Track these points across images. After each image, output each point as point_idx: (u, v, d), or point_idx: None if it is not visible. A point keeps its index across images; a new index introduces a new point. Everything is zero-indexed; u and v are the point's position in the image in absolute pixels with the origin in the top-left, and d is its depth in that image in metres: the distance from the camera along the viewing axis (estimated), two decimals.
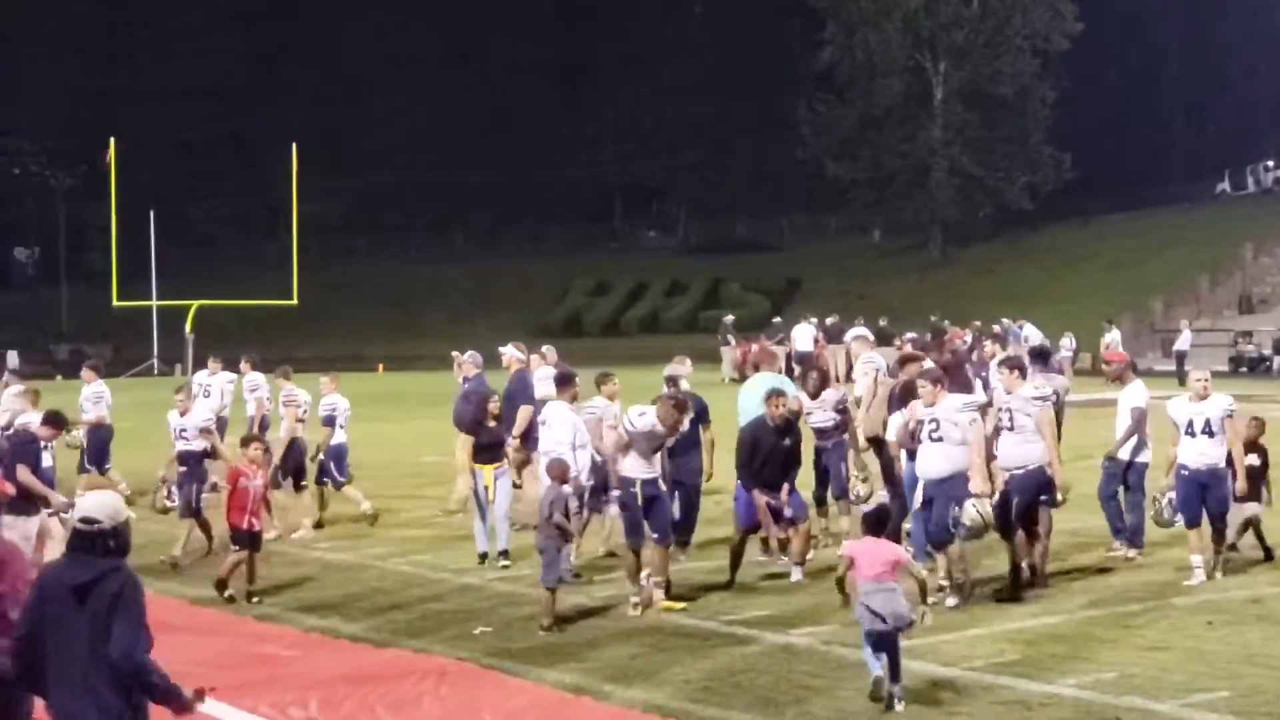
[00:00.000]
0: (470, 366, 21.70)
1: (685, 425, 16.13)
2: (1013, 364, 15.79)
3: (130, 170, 65.62)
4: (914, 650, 12.73)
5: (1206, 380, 16.06)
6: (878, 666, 10.86)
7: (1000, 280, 73.54)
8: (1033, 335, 50.64)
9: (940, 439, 14.48)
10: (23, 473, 15.32)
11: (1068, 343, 52.28)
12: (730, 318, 58.36)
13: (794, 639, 13.41)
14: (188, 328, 66.55)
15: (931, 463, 14.58)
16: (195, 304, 67.42)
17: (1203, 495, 15.70)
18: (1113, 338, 50.52)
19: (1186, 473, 15.72)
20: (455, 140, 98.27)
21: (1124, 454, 16.99)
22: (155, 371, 63.40)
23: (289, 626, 14.72)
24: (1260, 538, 16.66)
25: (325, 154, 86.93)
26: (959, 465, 14.41)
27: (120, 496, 8.31)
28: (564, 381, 17.34)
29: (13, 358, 67.58)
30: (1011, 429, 15.06)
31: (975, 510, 14.01)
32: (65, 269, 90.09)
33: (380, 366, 65.88)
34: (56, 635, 7.75)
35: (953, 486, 14.29)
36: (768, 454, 15.63)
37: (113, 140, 63.24)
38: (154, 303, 67.46)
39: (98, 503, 7.96)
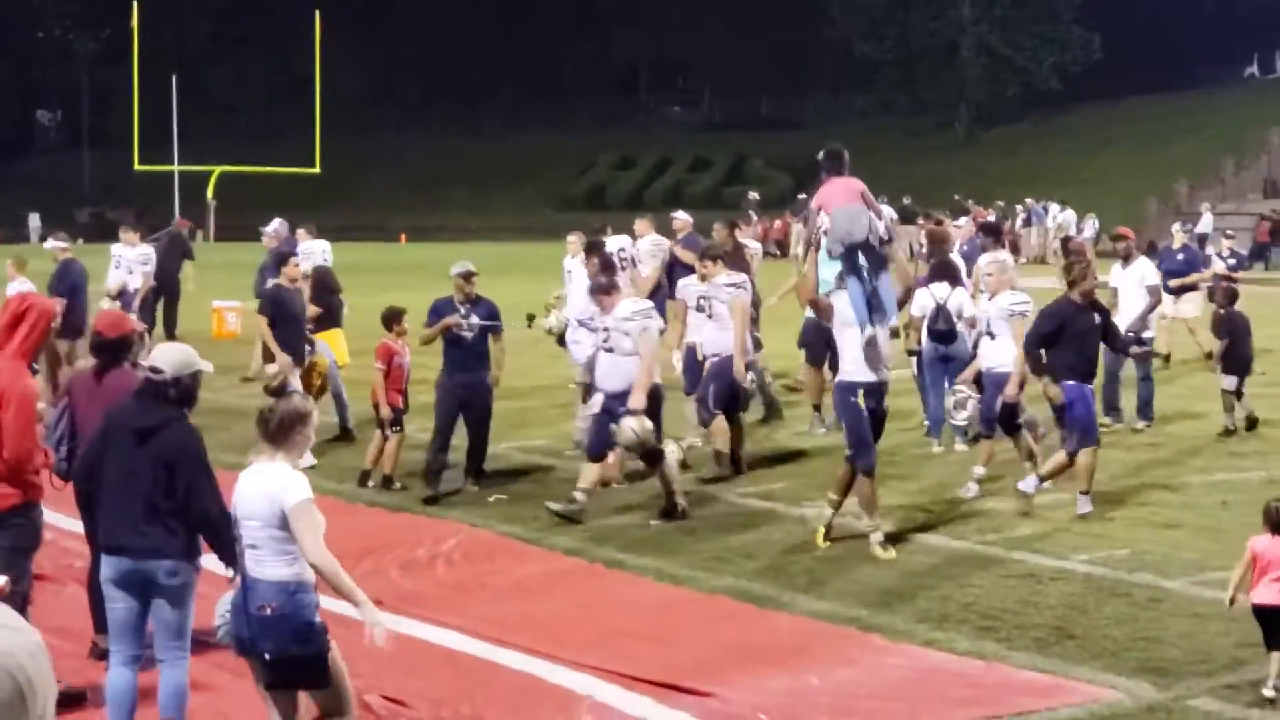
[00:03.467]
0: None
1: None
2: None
3: (153, 34, 65.27)
4: (927, 524, 12.87)
5: (990, 274, 14.72)
6: None
7: (1026, 161, 73.09)
8: (1067, 219, 50.66)
9: (610, 349, 13.51)
10: None
11: (1091, 224, 52.08)
12: (754, 194, 58.09)
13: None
14: (209, 193, 66.59)
15: (606, 375, 13.57)
16: (217, 170, 67.44)
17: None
18: (1064, 218, 50.69)
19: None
20: (482, 12, 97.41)
21: (1126, 322, 16.95)
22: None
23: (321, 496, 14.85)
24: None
25: (350, 23, 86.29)
26: (630, 379, 13.24)
27: (192, 350, 8.44)
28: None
29: (34, 220, 67.93)
30: (992, 337, 14.59)
31: (632, 429, 12.98)
32: (87, 133, 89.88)
33: (403, 237, 65.84)
34: (116, 471, 8.10)
35: (621, 402, 13.21)
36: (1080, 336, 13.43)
37: (135, 4, 62.85)
38: (175, 168, 67.38)
39: (165, 353, 8.27)
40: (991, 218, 50.71)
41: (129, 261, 23.60)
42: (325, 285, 18.58)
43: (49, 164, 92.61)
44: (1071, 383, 13.06)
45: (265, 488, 7.26)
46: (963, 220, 34.37)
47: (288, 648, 7.22)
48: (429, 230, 66.87)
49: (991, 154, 77.33)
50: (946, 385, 15.65)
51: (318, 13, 64.51)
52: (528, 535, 12.94)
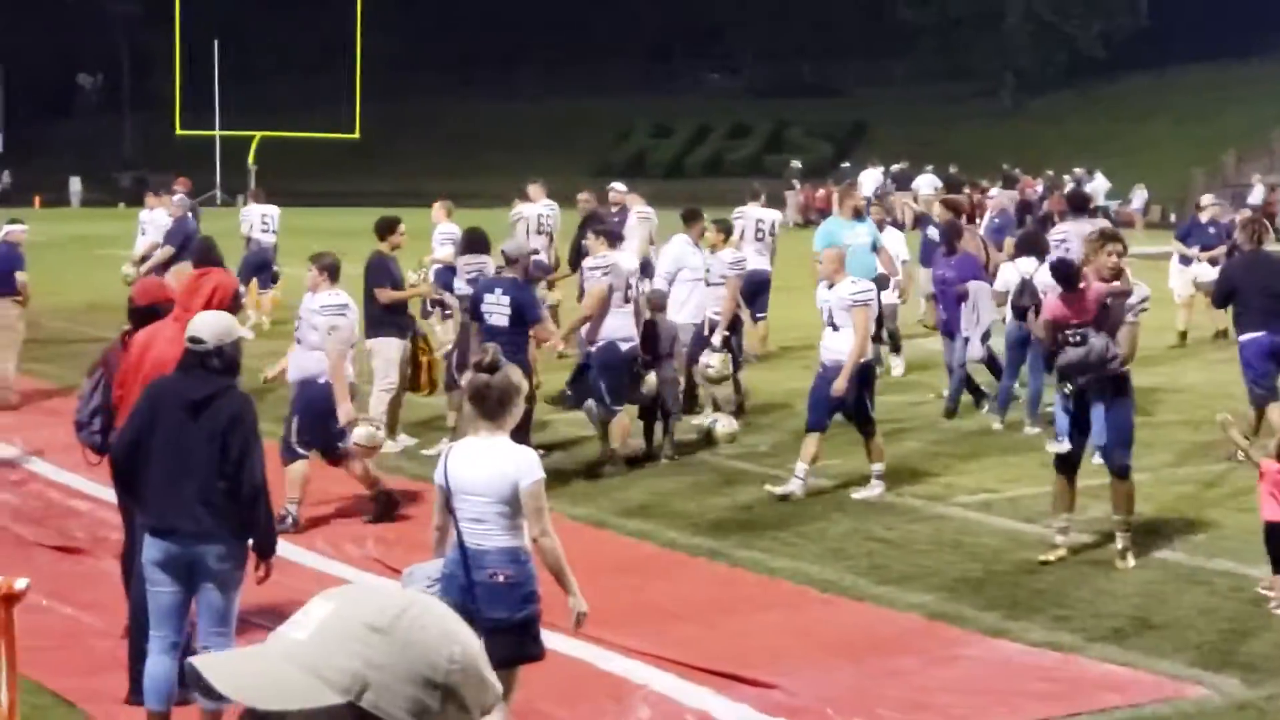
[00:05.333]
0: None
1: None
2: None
3: None
4: (995, 506, 12.42)
5: (823, 263, 13.52)
6: None
7: (1072, 130, 72.25)
8: (1100, 186, 49.91)
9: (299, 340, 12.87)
10: None
11: (1139, 194, 51.42)
12: (796, 163, 57.54)
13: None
14: (250, 159, 66.37)
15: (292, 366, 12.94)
16: (258, 135, 67.18)
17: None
18: (1094, 187, 49.75)
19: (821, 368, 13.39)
20: None
21: None
22: (218, 202, 63.16)
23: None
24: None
25: None
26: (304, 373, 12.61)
27: (232, 318, 8.29)
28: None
29: (74, 184, 67.84)
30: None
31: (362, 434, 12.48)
32: (129, 97, 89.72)
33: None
34: (166, 447, 7.77)
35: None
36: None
37: None
38: (217, 133, 67.22)
39: (205, 323, 7.97)
40: (1039, 187, 50.30)
41: (162, 226, 23.28)
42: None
43: (90, 128, 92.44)
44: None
45: (499, 464, 7.10)
46: (995, 191, 33.93)
47: (516, 614, 7.08)
48: (467, 196, 66.43)
49: (1036, 122, 76.46)
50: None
51: None
52: (576, 513, 12.53)
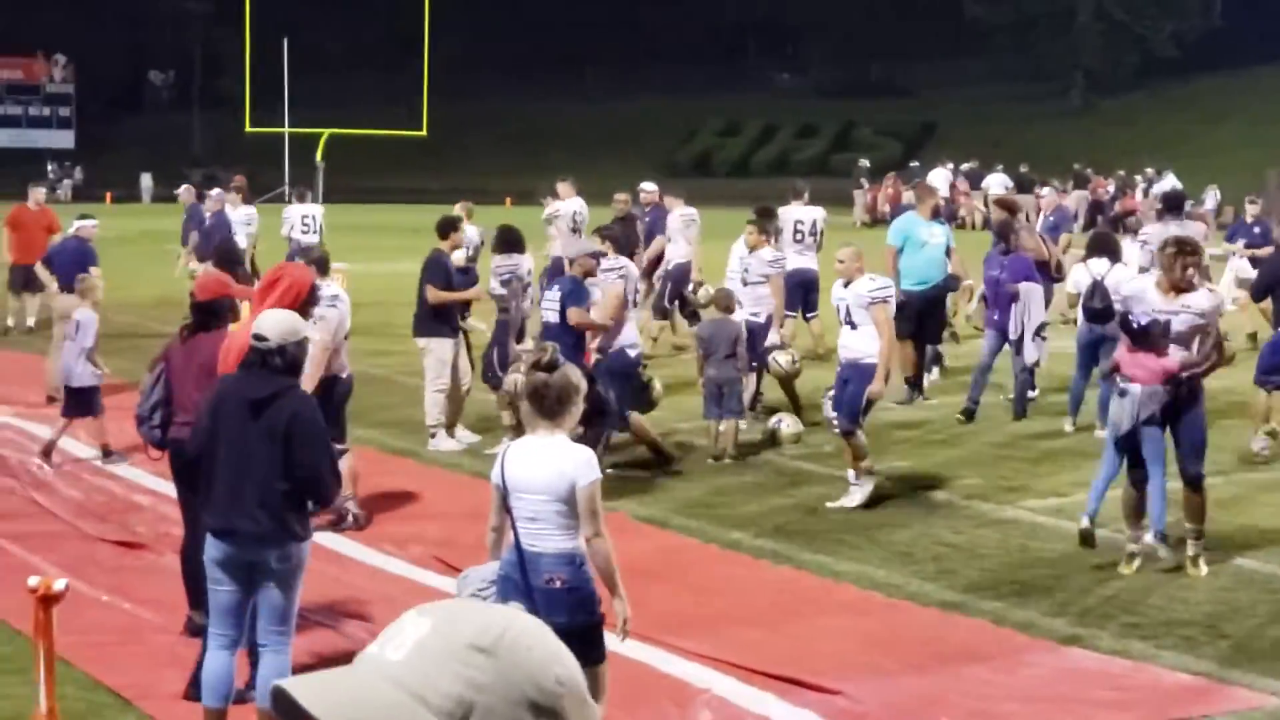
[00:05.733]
0: None
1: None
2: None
3: None
4: (1065, 510, 12.21)
5: (842, 260, 13.05)
6: None
7: (1144, 131, 71.60)
8: (1166, 187, 49.30)
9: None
10: None
11: (1212, 195, 50.81)
12: (865, 161, 57.22)
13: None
14: (318, 156, 66.59)
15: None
16: (326, 132, 67.37)
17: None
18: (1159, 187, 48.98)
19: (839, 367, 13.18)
20: None
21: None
22: (286, 198, 63.46)
23: (412, 460, 14.40)
24: None
25: None
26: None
27: (297, 316, 8.19)
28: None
29: (145, 180, 68.29)
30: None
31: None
32: (199, 94, 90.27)
33: (508, 200, 65.50)
34: (229, 447, 7.72)
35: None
36: None
37: None
38: (285, 130, 67.45)
39: (270, 322, 7.87)
40: (1111, 187, 49.84)
41: (233, 222, 23.33)
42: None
43: (160, 124, 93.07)
44: None
45: (556, 463, 7.00)
46: (1047, 190, 33.62)
47: (576, 619, 6.89)
48: (532, 194, 66.47)
49: (1107, 123, 75.82)
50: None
51: None
52: (638, 512, 12.41)
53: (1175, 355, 10.51)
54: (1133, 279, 11.04)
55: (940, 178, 49.32)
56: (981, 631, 9.58)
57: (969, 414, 16.02)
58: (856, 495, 12.53)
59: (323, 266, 12.39)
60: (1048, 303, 17.00)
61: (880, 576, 10.69)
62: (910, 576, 10.69)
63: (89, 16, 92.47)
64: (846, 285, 12.78)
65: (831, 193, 58.48)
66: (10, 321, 23.15)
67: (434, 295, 14.82)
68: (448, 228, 15.51)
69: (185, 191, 24.94)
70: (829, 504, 12.53)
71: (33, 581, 7.44)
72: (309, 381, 11.79)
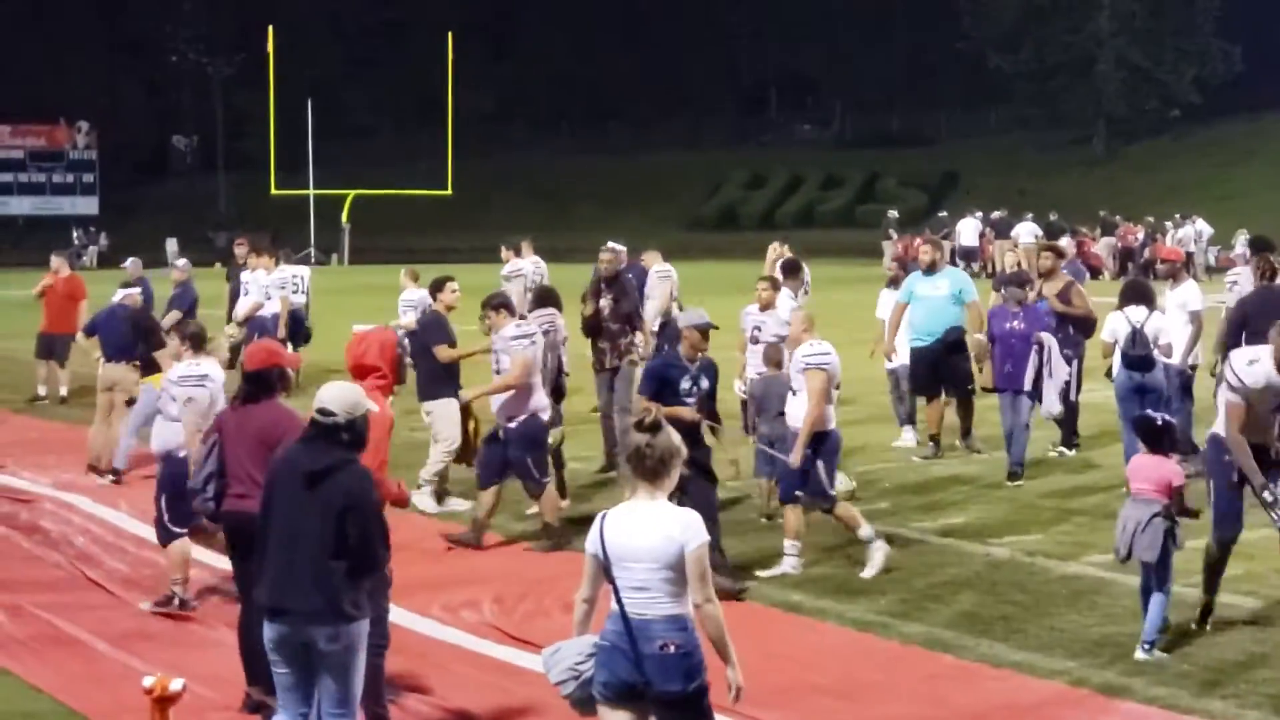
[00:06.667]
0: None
1: None
2: None
3: (287, 59, 65.43)
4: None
5: (797, 322, 12.92)
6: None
7: (1167, 176, 71.43)
8: (1190, 233, 49.15)
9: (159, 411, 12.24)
10: None
11: (1242, 239, 50.50)
12: (893, 212, 57.07)
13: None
14: (344, 217, 66.75)
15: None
16: (351, 193, 67.58)
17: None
18: (1184, 233, 48.68)
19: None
20: (610, 30, 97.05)
21: (1177, 359, 15.51)
22: (312, 260, 63.50)
23: (455, 524, 14.19)
24: None
25: (480, 44, 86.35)
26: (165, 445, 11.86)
27: (361, 390, 8.01)
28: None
29: (171, 244, 68.38)
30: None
31: None
32: (223, 157, 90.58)
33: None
34: (282, 523, 7.54)
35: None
36: None
37: (271, 29, 63.09)
38: (311, 191, 67.62)
39: (334, 395, 7.70)
40: (1140, 234, 49.61)
41: (264, 286, 23.14)
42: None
43: (185, 188, 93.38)
44: None
45: (663, 528, 6.74)
46: (1065, 240, 33.44)
47: (690, 684, 6.73)
48: (560, 251, 66.39)
49: (1131, 169, 75.68)
50: None
51: (450, 35, 64.44)
52: None
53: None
54: (1252, 362, 10.26)
55: (970, 227, 49.21)
56: (1059, 694, 9.35)
57: (1014, 476, 15.70)
58: (875, 561, 12.13)
59: (196, 342, 11.77)
60: (1080, 359, 16.73)
61: (949, 638, 10.45)
62: (979, 637, 10.44)
63: (111, 82, 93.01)
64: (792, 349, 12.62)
65: (857, 244, 58.41)
66: (41, 390, 23.02)
67: (444, 354, 14.79)
68: (436, 288, 15.46)
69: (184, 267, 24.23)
70: (863, 573, 12.13)
71: (148, 682, 7.27)
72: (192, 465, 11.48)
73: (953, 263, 44.45)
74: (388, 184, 70.97)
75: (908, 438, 17.72)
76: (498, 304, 13.90)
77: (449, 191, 67.16)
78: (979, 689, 9.54)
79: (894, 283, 17.84)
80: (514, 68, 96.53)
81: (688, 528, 6.74)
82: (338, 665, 7.48)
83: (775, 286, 15.68)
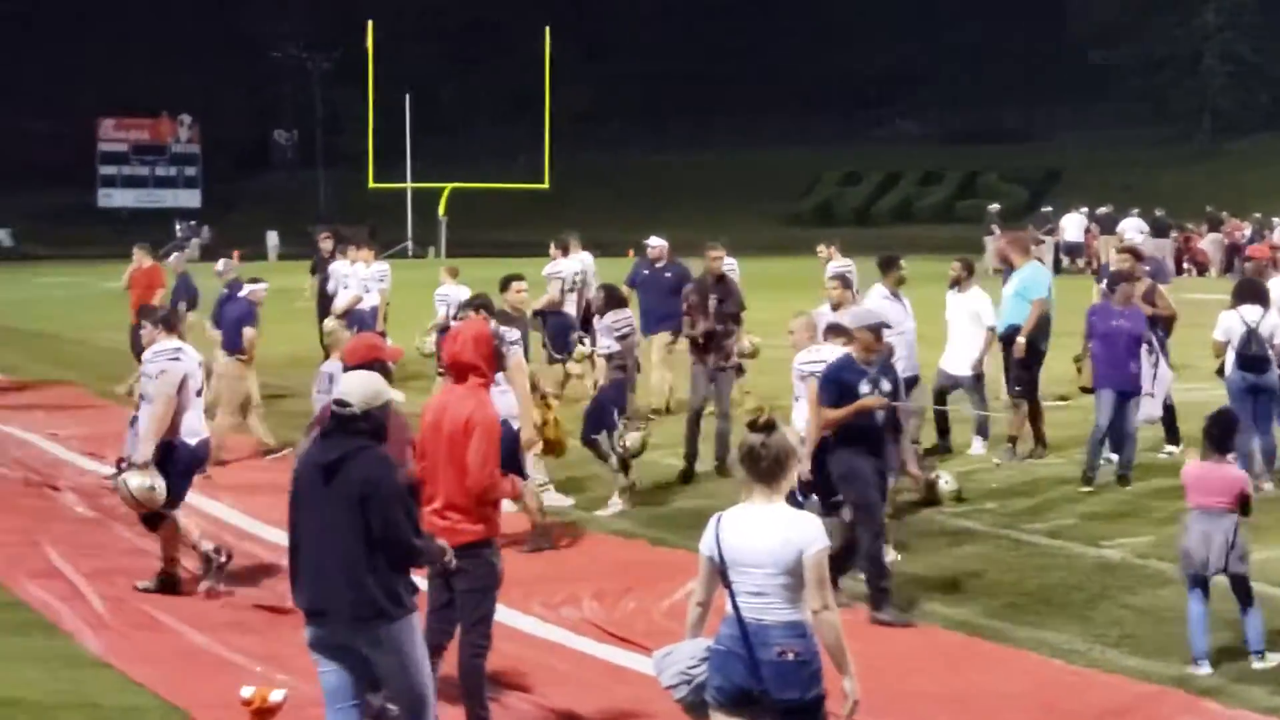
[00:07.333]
0: None
1: None
2: None
3: (386, 54, 65.71)
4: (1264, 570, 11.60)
5: (792, 331, 12.49)
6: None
7: (1275, 171, 70.26)
8: None
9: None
10: None
11: None
12: (995, 206, 56.44)
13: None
14: (440, 210, 66.94)
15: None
16: (448, 187, 67.77)
17: None
18: None
19: None
20: (709, 26, 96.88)
21: None
22: (409, 254, 63.80)
23: (553, 518, 14.05)
24: None
25: (579, 38, 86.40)
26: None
27: (381, 379, 7.66)
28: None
29: (272, 237, 68.91)
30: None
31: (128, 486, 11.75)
32: (322, 151, 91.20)
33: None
34: (309, 522, 7.24)
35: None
36: None
37: (370, 24, 63.39)
38: (408, 185, 67.95)
39: (352, 385, 7.41)
40: (1247, 230, 48.75)
41: (363, 279, 23.12)
42: None
43: (285, 182, 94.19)
44: None
45: (781, 531, 6.53)
46: (1169, 237, 32.73)
47: (808, 693, 6.53)
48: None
49: (1237, 164, 74.58)
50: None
51: (548, 29, 64.46)
52: None
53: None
54: None
55: (1074, 223, 48.57)
56: (1176, 701, 9.08)
57: (1123, 480, 15.30)
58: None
59: (168, 325, 12.17)
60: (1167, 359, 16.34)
61: (1060, 642, 10.19)
62: (1092, 642, 10.18)
63: (214, 77, 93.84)
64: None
65: (953, 240, 57.82)
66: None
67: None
68: (504, 285, 15.41)
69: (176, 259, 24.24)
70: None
71: (246, 693, 7.15)
72: (146, 443, 11.57)
73: (1057, 258, 44.21)
74: (484, 178, 71.15)
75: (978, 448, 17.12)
76: (478, 305, 13.54)
77: (546, 185, 67.17)
78: (1094, 696, 9.27)
79: (956, 284, 17.18)
80: (612, 63, 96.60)
81: (807, 532, 6.54)
82: (387, 667, 7.23)
83: (846, 285, 15.42)
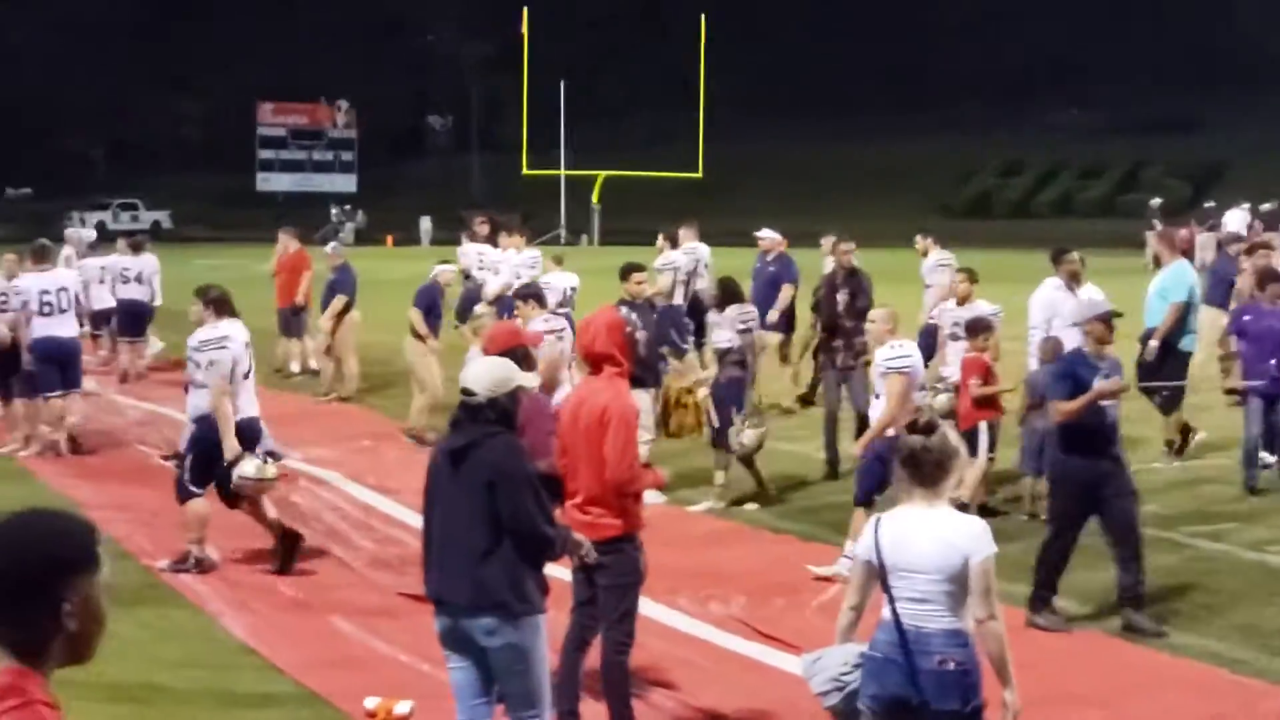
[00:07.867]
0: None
1: None
2: None
3: (541, 42, 65.96)
4: None
5: (873, 321, 12.18)
6: None
7: None
8: None
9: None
10: None
11: None
12: (1157, 201, 55.35)
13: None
14: (594, 197, 67.11)
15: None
16: (602, 174, 67.94)
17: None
18: None
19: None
20: (866, 14, 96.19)
21: None
22: (561, 240, 64.00)
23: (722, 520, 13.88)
24: None
25: (735, 27, 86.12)
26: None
27: (510, 364, 7.36)
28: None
29: (425, 222, 69.53)
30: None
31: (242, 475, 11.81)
32: (476, 137, 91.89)
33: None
34: (437, 511, 7.10)
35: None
36: None
37: (525, 11, 63.66)
38: (562, 172, 68.23)
39: (477, 373, 7.20)
40: None
41: (515, 266, 23.03)
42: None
43: (439, 168, 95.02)
44: None
45: (945, 536, 6.27)
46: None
47: (968, 704, 6.27)
48: (809, 236, 65.87)
49: None
50: None
51: (704, 17, 64.31)
52: None
53: None
54: None
55: (1237, 218, 47.37)
56: None
57: (1251, 491, 14.72)
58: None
59: (220, 307, 12.12)
60: None
61: (1222, 650, 9.82)
62: (1258, 651, 9.79)
63: (371, 64, 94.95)
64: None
65: (1113, 235, 56.77)
66: (293, 365, 23.38)
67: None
68: (625, 275, 15.43)
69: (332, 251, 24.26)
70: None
71: (370, 704, 7.01)
72: (227, 438, 11.64)
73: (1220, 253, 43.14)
74: (638, 166, 71.19)
75: None
76: (527, 295, 13.38)
77: (699, 174, 67.08)
78: (1258, 706, 8.92)
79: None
80: (768, 53, 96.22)
81: (973, 537, 6.26)
82: (503, 665, 7.00)
83: (973, 279, 15.04)
